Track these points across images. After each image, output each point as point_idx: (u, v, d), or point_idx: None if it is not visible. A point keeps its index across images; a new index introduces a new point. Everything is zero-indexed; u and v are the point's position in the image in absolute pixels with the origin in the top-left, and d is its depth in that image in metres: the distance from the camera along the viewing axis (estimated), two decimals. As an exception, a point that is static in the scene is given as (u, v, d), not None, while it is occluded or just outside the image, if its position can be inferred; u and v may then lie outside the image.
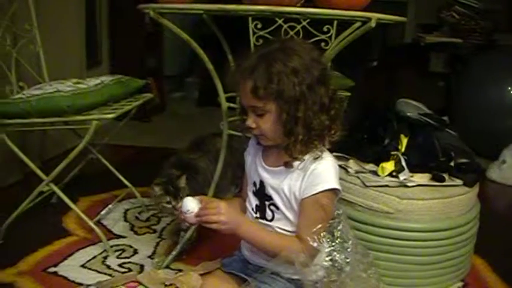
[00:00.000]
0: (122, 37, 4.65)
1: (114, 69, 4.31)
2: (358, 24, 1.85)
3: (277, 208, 1.53)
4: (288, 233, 1.52)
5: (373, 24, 1.74)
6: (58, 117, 2.24)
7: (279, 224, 1.53)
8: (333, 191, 1.47)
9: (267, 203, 1.55)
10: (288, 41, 1.56)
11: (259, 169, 1.57)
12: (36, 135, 3.07)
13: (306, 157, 1.47)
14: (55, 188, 2.35)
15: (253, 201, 1.60)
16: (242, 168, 1.69)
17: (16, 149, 2.31)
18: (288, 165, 1.49)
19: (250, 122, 1.47)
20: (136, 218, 2.68)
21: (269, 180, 1.54)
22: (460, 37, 4.56)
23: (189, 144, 2.48)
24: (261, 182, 1.56)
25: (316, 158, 1.47)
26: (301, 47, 1.47)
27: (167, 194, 2.11)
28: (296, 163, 1.48)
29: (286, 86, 1.39)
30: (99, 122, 2.21)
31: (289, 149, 1.46)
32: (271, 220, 1.55)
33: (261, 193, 1.56)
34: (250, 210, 1.60)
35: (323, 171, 1.46)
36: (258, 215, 1.58)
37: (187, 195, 1.55)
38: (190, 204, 1.48)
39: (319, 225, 1.45)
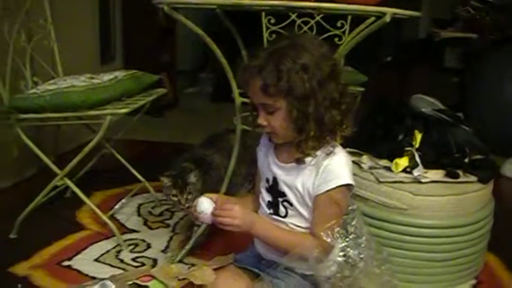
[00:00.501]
0: (135, 32, 4.65)
1: (128, 65, 4.32)
2: (372, 19, 1.84)
3: (291, 205, 1.53)
4: (302, 230, 1.52)
5: (387, 19, 1.73)
6: (72, 112, 2.26)
7: (292, 221, 1.53)
8: (347, 186, 1.46)
9: (280, 199, 1.55)
10: (297, 37, 1.55)
11: (271, 165, 1.57)
12: (50, 130, 3.08)
13: (318, 153, 1.47)
14: (69, 183, 2.36)
15: (266, 197, 1.59)
16: (256, 164, 1.69)
17: (30, 144, 2.33)
18: (299, 161, 1.48)
19: (261, 120, 1.47)
20: (150, 212, 2.69)
21: (282, 176, 1.54)
22: (475, 32, 4.52)
23: (204, 140, 2.47)
24: (274, 179, 1.56)
25: (328, 154, 1.46)
26: (311, 43, 1.46)
27: (175, 187, 2.11)
28: (308, 159, 1.47)
29: (296, 83, 1.39)
30: (113, 117, 2.22)
31: (300, 146, 1.45)
32: (284, 216, 1.54)
33: (274, 189, 1.56)
34: (264, 206, 1.60)
35: (337, 167, 1.46)
36: (271, 211, 1.58)
37: (201, 194, 1.56)
38: (205, 205, 1.49)
39: (333, 221, 1.45)
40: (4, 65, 2.41)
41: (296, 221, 1.53)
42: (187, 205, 2.10)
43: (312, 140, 1.43)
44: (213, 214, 1.48)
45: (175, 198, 2.12)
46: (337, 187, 1.44)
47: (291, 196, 1.52)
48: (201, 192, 1.98)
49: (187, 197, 2.10)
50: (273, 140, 1.54)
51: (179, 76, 5.30)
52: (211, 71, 5.60)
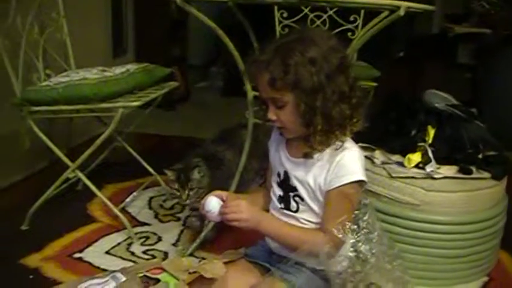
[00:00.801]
0: (147, 26, 4.65)
1: (140, 58, 4.31)
2: (386, 13, 1.83)
3: (302, 199, 1.52)
4: (313, 225, 1.51)
5: (402, 12, 1.72)
6: (84, 104, 2.26)
7: (303, 216, 1.53)
8: (359, 182, 1.45)
9: (291, 194, 1.54)
10: (305, 30, 1.54)
11: (283, 160, 1.57)
12: (62, 123, 3.09)
13: (329, 149, 1.46)
14: (81, 175, 2.37)
15: (277, 191, 1.59)
16: (268, 159, 1.68)
17: (43, 136, 2.33)
18: (307, 156, 1.47)
19: (271, 114, 1.46)
20: (161, 205, 2.69)
21: (293, 171, 1.53)
22: (489, 27, 4.48)
23: (216, 135, 2.47)
24: (285, 173, 1.55)
25: (338, 149, 1.45)
26: (319, 36, 1.45)
27: (177, 181, 2.11)
28: (316, 154, 1.46)
29: (303, 76, 1.38)
30: (125, 110, 2.22)
31: (309, 140, 1.44)
32: (295, 211, 1.54)
33: (286, 184, 1.56)
34: (275, 200, 1.59)
35: (349, 162, 1.45)
36: (282, 206, 1.57)
37: (209, 191, 1.56)
38: (213, 204, 1.50)
39: (344, 216, 1.44)
40: (17, 58, 2.42)
41: (307, 216, 1.52)
42: (187, 201, 2.12)
43: (320, 134, 1.42)
44: (220, 211, 1.48)
45: (177, 193, 2.13)
46: (349, 183, 1.43)
47: (302, 191, 1.51)
48: (209, 189, 1.98)
49: (189, 192, 2.11)
50: (283, 135, 1.53)
51: (190, 70, 5.30)
52: (222, 65, 5.60)
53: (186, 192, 2.10)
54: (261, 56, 1.44)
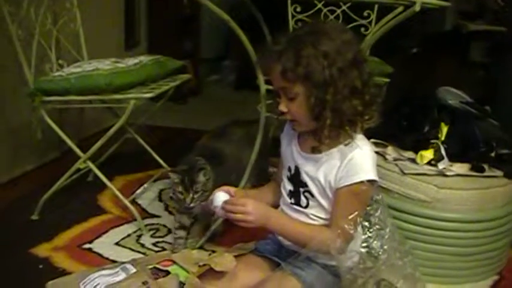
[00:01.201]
0: (159, 19, 4.65)
1: (152, 51, 4.32)
2: (401, 8, 1.81)
3: (312, 195, 1.52)
4: (322, 221, 1.51)
5: (417, 8, 1.70)
6: (96, 95, 2.27)
7: (313, 211, 1.52)
8: (370, 181, 1.44)
9: (301, 189, 1.54)
10: (319, 23, 1.54)
11: (294, 154, 1.56)
12: (74, 114, 3.10)
13: (339, 145, 1.45)
14: (92, 166, 2.37)
15: (287, 186, 1.59)
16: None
17: (55, 126, 2.34)
18: (315, 150, 1.47)
19: (282, 106, 1.46)
20: (171, 198, 2.69)
21: (304, 166, 1.53)
22: (504, 25, 4.44)
23: (210, 133, 2.41)
24: (296, 168, 1.55)
25: (347, 145, 1.44)
26: (334, 30, 1.44)
27: (181, 184, 2.03)
28: (325, 150, 1.46)
29: (315, 69, 1.37)
30: (137, 101, 2.23)
31: (317, 134, 1.44)
32: (305, 207, 1.54)
33: (296, 179, 1.55)
34: (285, 195, 1.59)
35: (360, 161, 1.44)
36: (292, 201, 1.57)
37: (219, 186, 1.55)
38: (221, 199, 1.50)
39: (354, 214, 1.43)
40: (30, 48, 2.43)
41: (317, 211, 1.52)
42: (192, 204, 2.04)
43: (329, 129, 1.41)
44: (225, 210, 1.48)
45: (181, 196, 2.05)
46: (359, 182, 1.43)
47: (312, 187, 1.51)
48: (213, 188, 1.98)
49: (194, 196, 2.03)
50: (294, 128, 1.52)
51: (202, 63, 5.30)
52: (234, 59, 5.59)
53: (191, 195, 2.03)
54: (274, 47, 1.44)
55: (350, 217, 1.42)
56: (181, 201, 2.05)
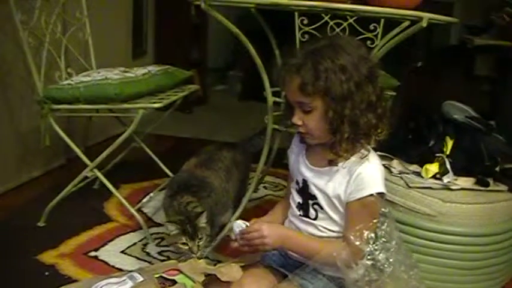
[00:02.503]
0: (167, 29, 4.68)
1: (159, 60, 4.34)
2: (406, 23, 1.83)
3: (321, 208, 1.53)
4: (332, 233, 1.53)
5: (424, 24, 1.73)
6: (105, 104, 2.29)
7: (322, 223, 1.54)
8: (379, 194, 1.46)
9: (310, 202, 1.55)
10: (336, 38, 1.55)
11: (302, 168, 1.57)
12: (81, 122, 3.12)
13: (353, 158, 1.46)
14: (99, 174, 2.39)
15: (296, 198, 1.60)
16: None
17: (63, 134, 2.35)
18: (332, 163, 1.48)
19: (296, 119, 1.47)
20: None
21: (313, 179, 1.54)
22: (509, 40, 4.45)
23: (196, 159, 2.29)
24: (304, 181, 1.56)
25: (362, 158, 1.46)
26: (350, 44, 1.46)
27: (184, 234, 1.93)
28: (341, 162, 1.47)
29: (334, 83, 1.39)
30: (146, 111, 2.24)
31: (334, 147, 1.45)
32: (314, 219, 1.55)
33: (305, 192, 1.57)
34: (294, 207, 1.60)
35: (369, 175, 1.46)
36: (301, 213, 1.58)
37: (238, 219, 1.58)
38: (237, 229, 1.54)
39: (363, 225, 1.44)
40: (40, 56, 2.45)
41: (326, 224, 1.53)
42: (199, 253, 1.95)
43: (346, 142, 1.43)
44: (243, 238, 1.52)
45: (185, 247, 1.93)
46: (369, 195, 1.45)
47: (321, 200, 1.52)
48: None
49: (199, 243, 1.94)
50: (307, 141, 1.53)
51: (208, 73, 5.32)
52: (240, 69, 5.62)
53: (197, 243, 1.94)
54: (291, 60, 1.45)
55: (357, 228, 1.43)
56: (184, 253, 1.96)
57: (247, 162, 2.39)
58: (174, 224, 1.94)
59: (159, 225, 2.48)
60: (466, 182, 2.00)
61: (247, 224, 1.54)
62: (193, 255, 1.92)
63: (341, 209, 1.50)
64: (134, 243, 2.29)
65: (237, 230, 1.54)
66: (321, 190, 1.52)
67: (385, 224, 1.45)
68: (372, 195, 1.44)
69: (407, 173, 2.04)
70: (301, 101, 1.44)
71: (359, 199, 1.45)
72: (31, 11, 2.39)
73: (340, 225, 1.51)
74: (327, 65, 1.39)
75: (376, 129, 1.46)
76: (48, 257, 2.15)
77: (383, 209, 1.50)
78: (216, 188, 2.15)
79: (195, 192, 2.05)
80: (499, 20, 4.46)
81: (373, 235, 1.45)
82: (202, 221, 1.96)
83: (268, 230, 1.48)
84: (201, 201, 2.03)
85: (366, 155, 1.46)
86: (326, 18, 2.75)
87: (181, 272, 1.65)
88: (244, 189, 2.38)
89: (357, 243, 1.41)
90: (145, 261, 2.15)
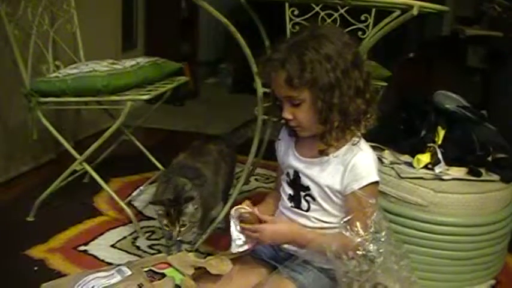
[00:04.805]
0: (157, 21, 4.65)
1: (149, 53, 4.31)
2: (397, 12, 1.82)
3: (314, 199, 1.52)
4: (324, 224, 1.52)
5: (415, 12, 1.71)
6: (93, 96, 2.27)
7: (314, 215, 1.53)
8: (374, 182, 1.47)
9: (302, 193, 1.55)
10: (317, 27, 1.53)
11: (292, 160, 1.56)
12: (70, 116, 3.10)
13: (344, 147, 1.45)
14: (88, 168, 2.37)
15: (287, 190, 1.59)
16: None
17: (51, 127, 2.33)
18: (323, 153, 1.47)
19: (286, 113, 1.46)
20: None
21: (304, 171, 1.53)
22: (501, 31, 4.45)
23: (185, 154, 2.23)
24: (295, 173, 1.55)
25: (353, 145, 1.46)
26: (332, 33, 1.45)
27: (166, 216, 1.90)
28: (332, 152, 1.46)
29: (320, 73, 1.38)
30: (134, 103, 2.22)
31: (324, 137, 1.44)
32: (307, 210, 1.54)
33: (296, 184, 1.56)
34: (285, 199, 1.60)
35: (364, 165, 1.46)
36: (292, 205, 1.57)
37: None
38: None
39: (363, 215, 1.44)
40: (26, 48, 2.42)
41: (318, 215, 1.52)
42: (179, 238, 1.94)
43: (336, 130, 1.42)
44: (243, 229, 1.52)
45: (167, 229, 1.92)
46: (367, 185, 1.45)
47: (314, 191, 1.52)
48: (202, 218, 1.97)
49: (180, 229, 1.91)
50: (299, 134, 1.52)
51: (199, 66, 5.30)
52: (231, 61, 5.59)
53: (177, 228, 1.90)
54: (275, 55, 1.43)
55: (362, 219, 1.44)
56: (167, 234, 1.98)
57: (233, 154, 2.37)
58: (160, 204, 1.91)
59: (149, 218, 2.46)
60: (458, 172, 1.99)
61: (247, 208, 1.52)
62: (174, 238, 1.93)
63: (334, 199, 1.49)
64: (124, 237, 2.28)
65: (235, 215, 1.53)
66: (313, 180, 1.51)
67: (374, 214, 1.44)
68: (369, 184, 1.45)
69: (398, 164, 2.03)
70: (290, 95, 1.42)
71: (357, 190, 1.45)
72: (16, 3, 2.36)
73: (333, 215, 1.51)
74: (312, 55, 1.37)
75: (365, 114, 1.45)
76: (37, 251, 2.13)
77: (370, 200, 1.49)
78: (209, 179, 2.14)
79: (191, 178, 2.02)
80: (490, 11, 4.46)
81: (370, 223, 1.44)
82: (190, 207, 1.92)
83: (270, 236, 1.51)
84: (195, 188, 2.01)
85: (357, 142, 1.45)
86: (317, 9, 2.74)
87: (170, 265, 1.63)
88: (231, 182, 2.37)
89: (347, 233, 1.40)
90: (136, 255, 2.13)
